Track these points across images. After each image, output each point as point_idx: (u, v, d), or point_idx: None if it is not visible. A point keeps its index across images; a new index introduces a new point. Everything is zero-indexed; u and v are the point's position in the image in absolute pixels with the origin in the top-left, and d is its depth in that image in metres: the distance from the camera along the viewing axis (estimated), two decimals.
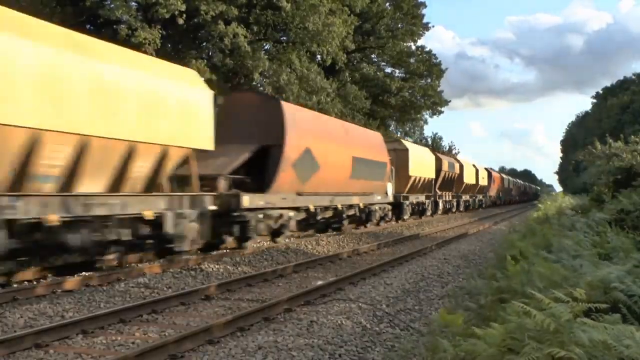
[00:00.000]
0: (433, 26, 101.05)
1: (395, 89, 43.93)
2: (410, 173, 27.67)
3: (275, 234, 15.99)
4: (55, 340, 6.59)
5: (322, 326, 7.26)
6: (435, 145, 61.10)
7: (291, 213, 15.96)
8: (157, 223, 10.86)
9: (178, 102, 11.41)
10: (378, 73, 44.42)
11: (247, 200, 13.64)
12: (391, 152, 25.20)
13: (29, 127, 8.46)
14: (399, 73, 47.39)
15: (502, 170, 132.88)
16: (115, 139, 9.96)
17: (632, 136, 26.32)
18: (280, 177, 15.09)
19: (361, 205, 21.05)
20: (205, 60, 28.79)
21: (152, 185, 11.27)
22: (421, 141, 59.17)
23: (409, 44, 45.85)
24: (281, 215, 15.52)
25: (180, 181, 12.55)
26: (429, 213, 32.11)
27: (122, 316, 7.56)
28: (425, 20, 45.27)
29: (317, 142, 16.90)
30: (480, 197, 47.86)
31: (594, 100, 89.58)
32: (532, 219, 21.04)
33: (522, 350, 3.27)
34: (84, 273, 10.86)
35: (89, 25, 29.78)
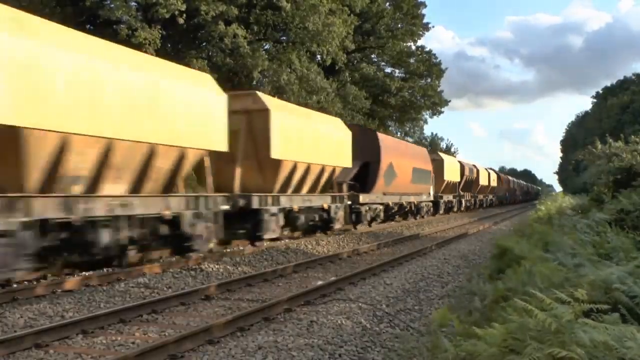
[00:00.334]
0: (433, 26, 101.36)
1: (395, 89, 43.93)
2: (445, 178, 34.57)
3: (360, 221, 21.90)
4: (55, 340, 6.58)
5: (322, 326, 7.26)
6: (433, 145, 61.12)
7: (380, 207, 23.59)
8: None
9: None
10: (378, 73, 44.43)
11: (362, 198, 21.30)
12: (432, 162, 32.12)
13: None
14: (398, 73, 47.42)
15: (502, 170, 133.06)
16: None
17: (632, 136, 26.33)
18: (376, 183, 22.79)
19: (415, 202, 28.79)
20: (205, 60, 28.80)
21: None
22: (421, 141, 59.19)
23: (409, 44, 45.89)
24: (376, 208, 23.18)
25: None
26: (455, 209, 38.44)
27: (122, 316, 7.56)
28: (425, 21, 45.33)
29: (396, 159, 24.55)
30: (491, 196, 54.77)
31: (594, 100, 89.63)
32: (532, 219, 21.06)
33: (524, 350, 3.27)
34: (83, 273, 10.88)
35: (89, 25, 29.79)
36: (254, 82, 30.51)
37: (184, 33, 29.24)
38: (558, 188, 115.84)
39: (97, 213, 9.65)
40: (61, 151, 9.06)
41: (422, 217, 30.76)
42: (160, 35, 26.24)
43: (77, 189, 9.73)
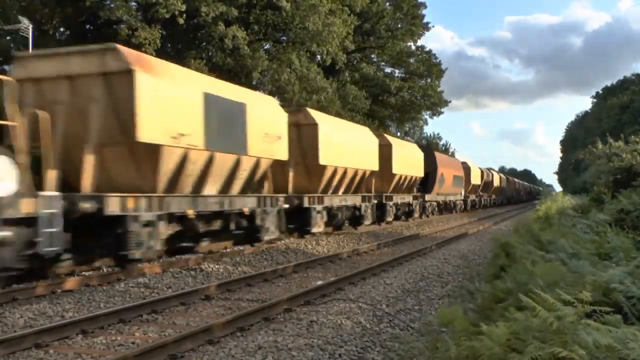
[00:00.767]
0: (433, 26, 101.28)
1: (395, 89, 43.94)
2: (471, 181, 43.49)
3: (424, 213, 31.50)
4: (55, 340, 6.58)
5: (322, 326, 7.25)
6: (432, 145, 61.16)
7: (435, 203, 33.81)
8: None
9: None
10: (378, 73, 44.42)
11: (427, 197, 31.47)
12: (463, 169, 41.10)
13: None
14: (398, 73, 47.42)
15: (502, 170, 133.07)
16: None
17: (632, 136, 26.33)
18: (434, 186, 32.55)
19: (453, 200, 38.89)
20: (204, 60, 28.80)
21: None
22: (420, 141, 59.23)
23: (408, 44, 45.87)
24: (432, 204, 33.10)
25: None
26: (477, 206, 48.01)
27: (122, 316, 7.56)
28: (425, 21, 45.32)
29: (444, 169, 34.34)
30: (501, 196, 63.76)
31: (594, 100, 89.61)
32: (532, 219, 21.04)
33: (526, 349, 3.27)
34: (84, 273, 10.89)
35: (89, 25, 29.80)
36: (254, 82, 30.51)
37: (184, 33, 29.24)
38: (558, 188, 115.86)
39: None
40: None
41: (457, 211, 39.93)
42: (160, 35, 26.24)
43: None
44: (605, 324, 3.66)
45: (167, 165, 11.32)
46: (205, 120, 11.93)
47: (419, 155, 29.90)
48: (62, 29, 30.79)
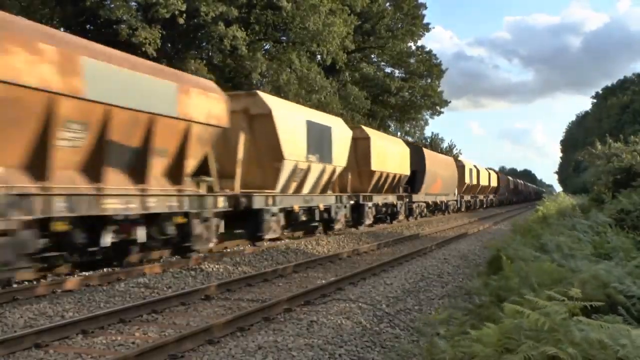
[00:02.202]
0: (433, 27, 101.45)
1: (395, 89, 43.95)
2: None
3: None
4: (55, 340, 6.59)
5: (322, 326, 7.27)
6: (434, 146, 61.15)
7: (423, 204, 31.53)
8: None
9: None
10: (378, 73, 44.43)
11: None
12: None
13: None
14: (398, 73, 47.42)
15: (502, 170, 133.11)
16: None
17: (632, 136, 26.33)
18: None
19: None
20: (204, 61, 28.81)
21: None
22: (421, 141, 59.21)
23: (409, 44, 45.87)
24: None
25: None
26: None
27: (122, 316, 7.57)
28: (425, 21, 45.31)
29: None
30: (506, 197, 67.65)
31: (594, 100, 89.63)
32: (532, 220, 21.05)
33: (519, 349, 3.28)
34: (84, 273, 10.91)
35: (89, 25, 29.80)
36: (254, 83, 30.52)
37: (183, 33, 29.25)
38: (558, 188, 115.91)
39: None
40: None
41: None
42: (160, 35, 26.25)
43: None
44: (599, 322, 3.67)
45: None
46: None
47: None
48: (62, 29, 30.82)
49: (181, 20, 26.36)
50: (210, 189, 12.72)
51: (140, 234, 10.72)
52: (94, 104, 9.33)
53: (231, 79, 30.45)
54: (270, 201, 15.19)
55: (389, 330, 7.34)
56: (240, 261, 13.10)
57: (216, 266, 12.19)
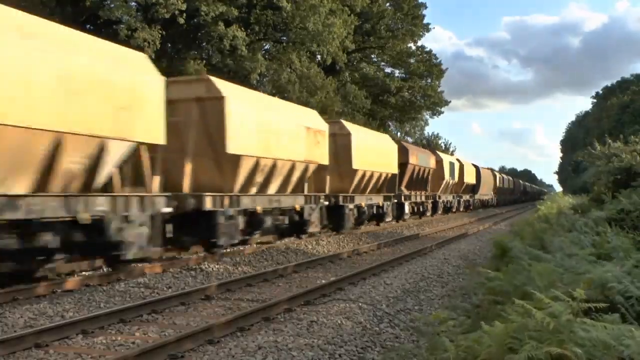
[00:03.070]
0: (433, 27, 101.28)
1: (395, 89, 43.96)
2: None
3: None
4: (55, 340, 6.59)
5: (322, 326, 7.26)
6: (432, 145, 61.19)
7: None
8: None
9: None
10: (378, 73, 44.44)
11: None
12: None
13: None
14: (399, 73, 47.43)
15: (502, 170, 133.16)
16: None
17: (632, 136, 26.32)
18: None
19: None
20: (204, 61, 28.81)
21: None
22: (420, 141, 59.25)
23: (409, 44, 45.88)
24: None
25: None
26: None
27: (122, 316, 7.56)
28: (425, 21, 45.31)
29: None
30: (511, 196, 71.27)
31: (594, 100, 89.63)
32: (532, 220, 21.05)
33: (522, 348, 3.28)
34: (83, 273, 10.90)
35: (89, 25, 29.78)
36: (254, 83, 30.52)
37: (183, 33, 29.24)
38: (558, 188, 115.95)
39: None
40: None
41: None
42: (160, 36, 26.24)
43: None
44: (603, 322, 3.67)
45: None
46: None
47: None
48: None
49: (181, 20, 26.36)
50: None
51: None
52: None
53: (231, 78, 30.46)
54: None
55: (389, 330, 7.34)
56: (240, 261, 13.09)
57: (216, 266, 12.19)
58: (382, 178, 23.72)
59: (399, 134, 52.48)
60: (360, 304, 8.54)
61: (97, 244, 9.75)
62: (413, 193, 29.28)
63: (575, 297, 3.73)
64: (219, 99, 13.01)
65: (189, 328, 7.06)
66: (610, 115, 66.44)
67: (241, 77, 30.17)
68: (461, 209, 40.94)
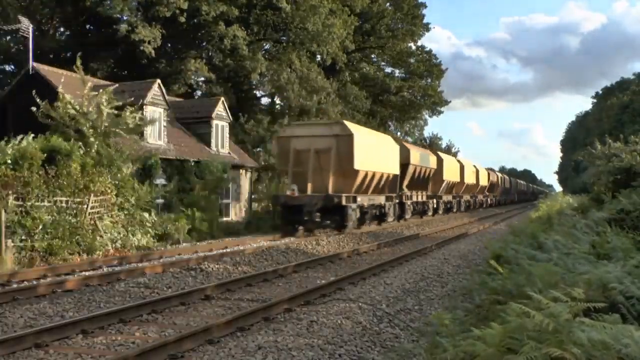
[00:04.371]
0: (433, 27, 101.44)
1: (395, 89, 43.97)
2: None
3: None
4: (55, 340, 6.59)
5: (322, 326, 7.26)
6: (433, 145, 61.20)
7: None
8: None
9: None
10: (378, 73, 44.45)
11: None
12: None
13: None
14: (399, 73, 47.44)
15: (502, 170, 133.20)
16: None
17: (632, 136, 26.31)
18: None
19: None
20: (204, 60, 28.82)
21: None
22: (420, 141, 59.26)
23: (409, 44, 45.88)
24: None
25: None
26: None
27: (122, 316, 7.56)
28: (425, 21, 45.32)
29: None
30: (515, 196, 76.33)
31: (594, 100, 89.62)
32: (531, 219, 21.04)
33: (521, 349, 3.28)
34: (84, 273, 10.91)
35: (89, 25, 29.78)
36: (254, 83, 30.51)
37: (184, 33, 29.25)
38: (558, 188, 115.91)
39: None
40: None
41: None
42: (160, 35, 26.24)
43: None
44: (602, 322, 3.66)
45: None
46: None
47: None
48: (62, 29, 30.81)
49: (182, 19, 26.36)
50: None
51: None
52: None
53: (231, 78, 30.44)
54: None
55: (389, 330, 7.34)
56: (240, 261, 13.09)
57: (216, 266, 12.19)
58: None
59: (399, 133, 52.49)
60: (360, 304, 8.54)
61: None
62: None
63: (575, 298, 3.73)
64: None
65: (189, 328, 7.06)
66: (610, 115, 66.42)
67: (241, 77, 30.19)
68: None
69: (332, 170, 19.92)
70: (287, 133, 21.35)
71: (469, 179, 42.05)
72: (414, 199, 29.17)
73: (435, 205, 33.63)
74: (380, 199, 23.84)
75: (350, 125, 21.49)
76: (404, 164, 27.00)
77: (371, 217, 23.38)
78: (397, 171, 25.32)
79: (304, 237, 18.20)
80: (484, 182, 48.03)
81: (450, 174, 36.28)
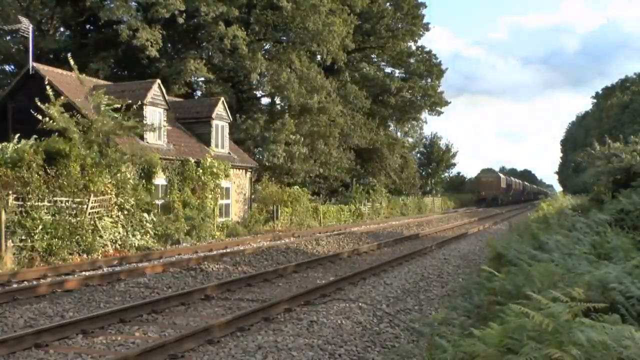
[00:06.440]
0: (433, 27, 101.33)
1: (395, 89, 43.91)
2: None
3: None
4: (55, 340, 6.59)
5: (322, 326, 7.26)
6: (433, 145, 61.20)
7: None
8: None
9: None
10: (378, 73, 44.38)
11: None
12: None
13: None
14: (399, 73, 47.37)
15: (502, 170, 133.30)
16: None
17: (632, 136, 26.29)
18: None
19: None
20: (204, 60, 28.80)
21: None
22: (420, 141, 59.25)
23: (409, 44, 45.82)
24: None
25: None
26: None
27: (122, 316, 7.57)
28: (425, 21, 45.26)
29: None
30: (521, 197, 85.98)
31: (594, 100, 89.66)
32: (531, 219, 21.02)
33: (521, 350, 3.28)
34: (84, 273, 10.91)
35: (88, 26, 29.78)
36: (254, 83, 30.50)
37: (183, 33, 29.24)
38: (558, 188, 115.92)
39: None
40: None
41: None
42: (160, 36, 26.24)
43: None
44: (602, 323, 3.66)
45: None
46: None
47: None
48: (62, 29, 30.81)
49: (181, 20, 26.35)
50: None
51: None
52: None
53: (230, 78, 30.44)
54: None
55: (389, 330, 7.34)
56: (240, 261, 13.09)
57: (216, 266, 12.19)
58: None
59: (398, 134, 52.46)
60: (360, 304, 8.54)
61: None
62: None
63: (574, 298, 3.72)
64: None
65: (189, 328, 7.06)
66: (610, 115, 66.49)
67: (241, 77, 30.16)
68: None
69: None
70: None
71: (503, 183, 65.12)
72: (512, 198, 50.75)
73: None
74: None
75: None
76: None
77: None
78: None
79: (304, 237, 18.18)
80: (503, 185, 66.46)
81: (517, 187, 62.35)
